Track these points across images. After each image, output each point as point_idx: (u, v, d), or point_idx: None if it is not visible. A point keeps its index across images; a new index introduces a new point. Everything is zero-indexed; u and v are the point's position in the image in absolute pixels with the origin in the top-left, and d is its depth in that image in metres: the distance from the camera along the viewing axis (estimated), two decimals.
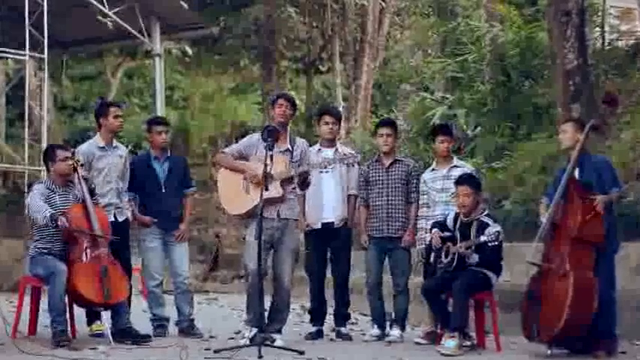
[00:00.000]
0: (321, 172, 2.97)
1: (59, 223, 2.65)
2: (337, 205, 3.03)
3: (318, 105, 7.90)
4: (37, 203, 2.70)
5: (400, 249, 3.00)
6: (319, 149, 3.06)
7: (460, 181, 2.80)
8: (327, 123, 3.04)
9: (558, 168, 2.83)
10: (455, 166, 3.00)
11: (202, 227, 6.79)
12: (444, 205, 2.92)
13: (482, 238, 2.65)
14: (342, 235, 3.04)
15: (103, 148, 2.97)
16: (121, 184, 2.99)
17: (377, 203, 3.02)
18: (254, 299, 2.72)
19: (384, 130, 3.06)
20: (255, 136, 2.89)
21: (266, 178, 2.60)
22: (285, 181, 2.74)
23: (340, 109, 7.81)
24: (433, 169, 3.03)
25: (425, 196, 3.00)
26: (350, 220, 3.07)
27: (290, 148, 2.80)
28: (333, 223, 3.03)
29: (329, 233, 3.04)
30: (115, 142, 3.03)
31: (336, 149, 3.02)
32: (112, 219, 2.92)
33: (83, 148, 2.99)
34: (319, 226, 3.04)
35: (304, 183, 2.79)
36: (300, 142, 2.88)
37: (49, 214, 2.66)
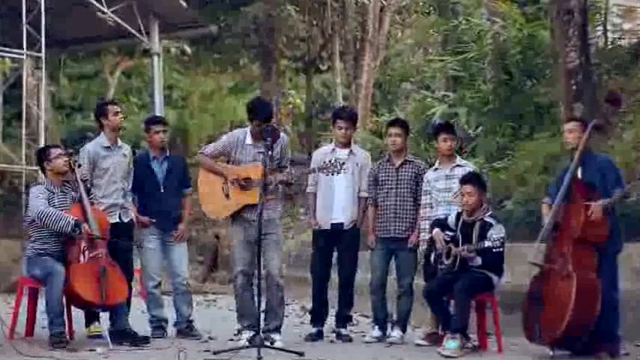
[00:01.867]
0: (334, 172, 2.92)
1: (83, 230, 2.64)
2: (347, 206, 3.00)
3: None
4: (51, 211, 2.66)
5: (406, 250, 2.97)
6: (333, 149, 3.03)
7: (465, 180, 2.76)
8: (340, 128, 3.02)
9: (560, 168, 2.81)
10: (458, 165, 2.97)
11: (201, 228, 6.75)
12: (447, 204, 2.89)
13: (487, 244, 2.62)
14: (350, 236, 3.02)
15: (109, 147, 2.94)
16: (126, 184, 2.97)
17: (385, 203, 2.99)
18: (246, 303, 2.70)
19: (393, 130, 3.03)
20: (235, 135, 2.84)
21: (265, 182, 2.57)
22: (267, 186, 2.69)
23: None
24: (436, 169, 3.01)
25: (428, 196, 2.98)
26: (359, 221, 3.04)
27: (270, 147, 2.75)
28: (342, 224, 3.00)
29: (337, 234, 3.01)
30: (119, 142, 3.00)
31: (351, 150, 3.00)
32: (117, 220, 2.89)
33: (88, 148, 2.96)
34: (328, 226, 3.01)
35: (287, 184, 2.76)
36: (280, 136, 2.83)
37: (73, 222, 2.64)
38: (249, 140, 2.77)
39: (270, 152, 2.64)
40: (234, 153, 2.78)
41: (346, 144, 3.03)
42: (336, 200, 3.00)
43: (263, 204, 2.56)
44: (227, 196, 2.72)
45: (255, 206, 2.65)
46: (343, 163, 2.82)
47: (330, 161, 2.74)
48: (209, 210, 2.82)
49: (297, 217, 5.73)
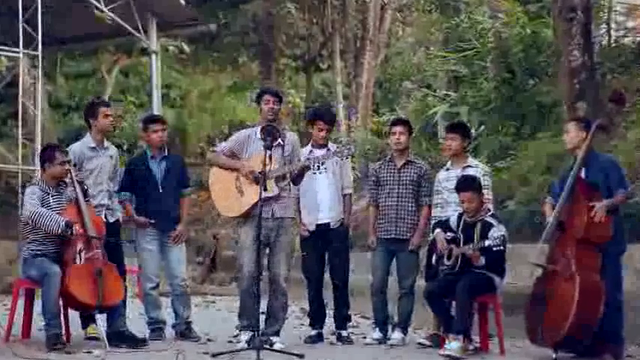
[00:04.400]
0: (314, 172, 2.93)
1: (74, 231, 2.62)
2: (333, 205, 2.98)
3: (314, 106, 7.85)
4: (44, 212, 2.64)
5: (407, 251, 2.95)
6: (311, 150, 3.01)
7: (461, 187, 2.74)
8: (321, 129, 3.00)
9: (564, 167, 2.80)
10: (468, 166, 2.93)
11: (200, 228, 6.71)
12: (456, 205, 2.85)
13: (487, 243, 2.60)
14: (338, 235, 3.00)
15: (94, 148, 2.91)
16: (112, 185, 2.94)
17: (387, 204, 2.97)
18: (249, 303, 2.67)
19: (397, 129, 3.00)
20: (244, 133, 2.84)
21: (264, 178, 2.55)
22: (279, 179, 2.69)
23: (340, 107, 7.72)
24: (447, 169, 2.98)
25: (438, 196, 2.95)
26: (346, 219, 3.02)
27: (281, 142, 2.74)
28: (328, 223, 2.98)
29: (325, 234, 2.99)
30: (105, 143, 2.97)
31: (328, 149, 2.97)
32: (103, 220, 2.87)
33: (74, 148, 2.93)
34: (314, 227, 2.99)
35: (299, 177, 2.74)
36: (290, 135, 2.83)
37: (63, 223, 2.61)
38: (260, 135, 2.74)
39: (270, 151, 2.61)
40: (245, 149, 2.75)
41: (323, 144, 3.00)
42: (320, 200, 2.97)
43: (262, 199, 2.52)
44: (241, 192, 2.69)
45: (269, 202, 2.62)
46: (323, 163, 2.82)
47: (310, 159, 2.73)
48: (223, 208, 2.78)
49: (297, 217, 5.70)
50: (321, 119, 3.01)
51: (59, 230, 2.61)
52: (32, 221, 2.65)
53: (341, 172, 2.98)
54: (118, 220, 2.94)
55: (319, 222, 2.96)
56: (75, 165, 2.78)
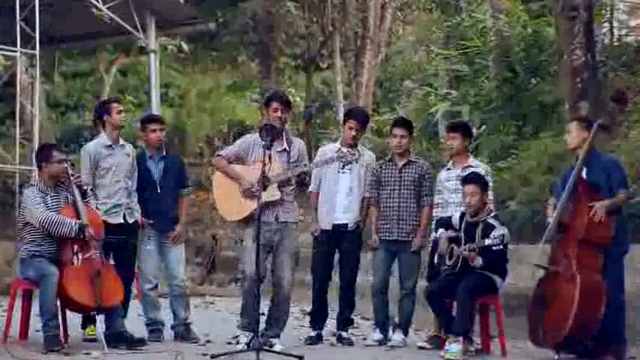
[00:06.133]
0: (339, 172, 2.92)
1: (87, 234, 2.59)
2: (350, 206, 2.96)
3: (313, 105, 7.78)
4: (53, 216, 2.62)
5: (409, 252, 2.93)
6: (339, 149, 2.98)
7: (467, 180, 2.73)
8: (350, 128, 2.96)
9: (566, 167, 2.78)
10: (469, 166, 2.91)
11: (199, 229, 6.68)
12: (456, 206, 2.84)
13: (487, 242, 2.59)
14: (352, 237, 2.97)
15: (110, 146, 2.89)
16: (130, 183, 2.90)
17: (388, 204, 2.95)
18: (250, 305, 2.67)
19: (398, 131, 2.97)
20: (249, 138, 2.84)
21: (264, 180, 2.54)
22: (283, 183, 2.68)
23: (341, 107, 7.72)
24: (448, 169, 2.97)
25: (439, 196, 2.94)
26: (363, 222, 3.00)
27: (287, 148, 2.74)
28: (346, 224, 2.96)
29: (340, 235, 2.97)
30: (121, 141, 2.95)
31: (357, 150, 2.93)
32: (122, 220, 2.84)
33: (89, 147, 2.91)
34: (330, 227, 2.96)
35: (302, 182, 2.74)
36: (297, 141, 2.83)
37: (77, 226, 2.60)
38: (260, 135, 2.72)
39: (269, 151, 2.60)
40: (250, 153, 2.75)
41: (353, 144, 2.98)
42: (339, 200, 2.96)
43: (266, 203, 2.52)
44: (244, 196, 2.69)
45: (273, 207, 2.62)
46: (351, 163, 2.81)
47: (344, 150, 2.71)
48: (226, 211, 2.78)
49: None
50: (352, 118, 2.98)
51: (72, 234, 2.60)
52: (42, 227, 2.63)
53: (365, 175, 2.95)
54: (136, 221, 2.89)
55: (336, 222, 2.94)
56: (73, 165, 2.77)
